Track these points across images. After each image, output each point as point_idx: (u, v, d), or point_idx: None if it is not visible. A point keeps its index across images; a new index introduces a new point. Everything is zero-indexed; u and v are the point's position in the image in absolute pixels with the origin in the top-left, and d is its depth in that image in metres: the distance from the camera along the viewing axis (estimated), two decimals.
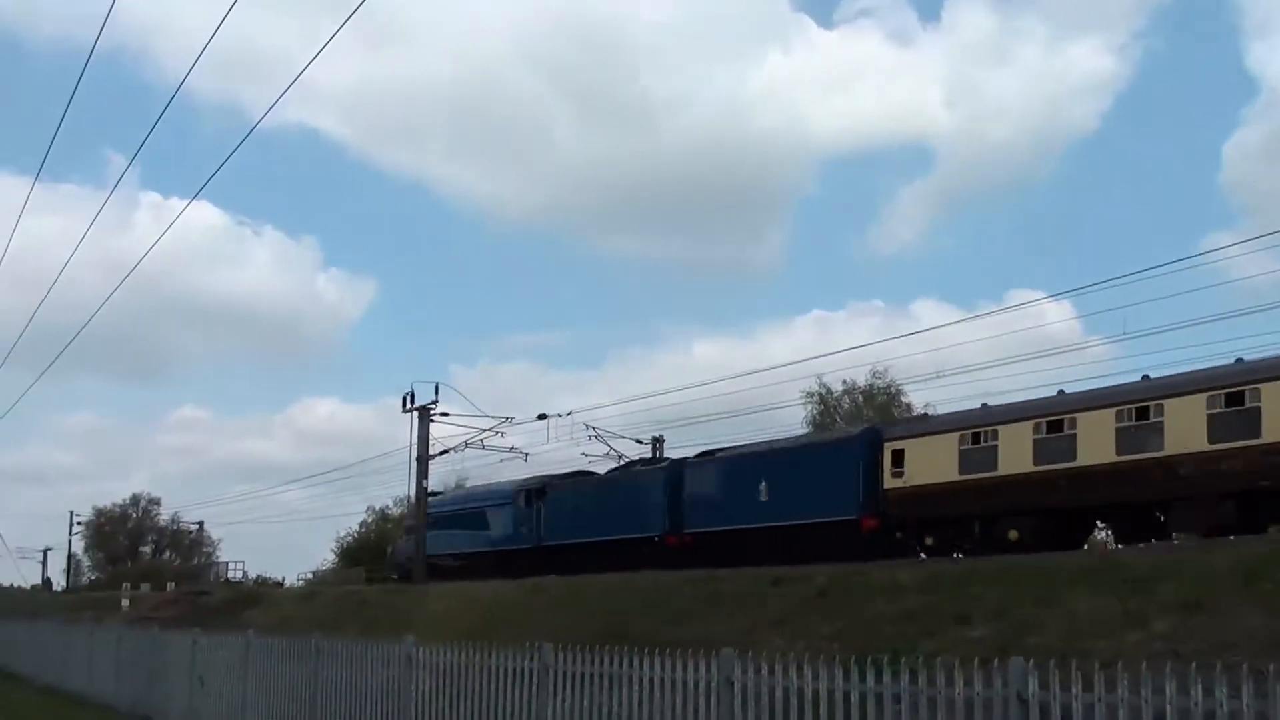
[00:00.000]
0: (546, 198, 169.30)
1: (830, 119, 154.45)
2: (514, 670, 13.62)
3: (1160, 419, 27.72)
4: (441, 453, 51.85)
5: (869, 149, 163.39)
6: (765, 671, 10.53)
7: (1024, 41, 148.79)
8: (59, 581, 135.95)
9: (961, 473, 32.06)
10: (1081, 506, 29.93)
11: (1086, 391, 32.00)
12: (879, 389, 69.49)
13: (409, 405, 50.15)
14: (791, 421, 67.77)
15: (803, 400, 69.53)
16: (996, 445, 31.44)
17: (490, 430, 52.10)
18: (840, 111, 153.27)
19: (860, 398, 70.51)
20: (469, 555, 51.02)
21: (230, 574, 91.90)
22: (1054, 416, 30.39)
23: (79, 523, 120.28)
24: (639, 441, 57.41)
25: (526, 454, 55.50)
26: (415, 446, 50.56)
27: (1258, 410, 25.75)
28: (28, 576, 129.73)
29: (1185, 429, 26.94)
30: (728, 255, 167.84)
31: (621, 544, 41.15)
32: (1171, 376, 29.50)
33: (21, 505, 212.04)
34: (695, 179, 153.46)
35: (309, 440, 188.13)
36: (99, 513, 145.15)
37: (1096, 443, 28.73)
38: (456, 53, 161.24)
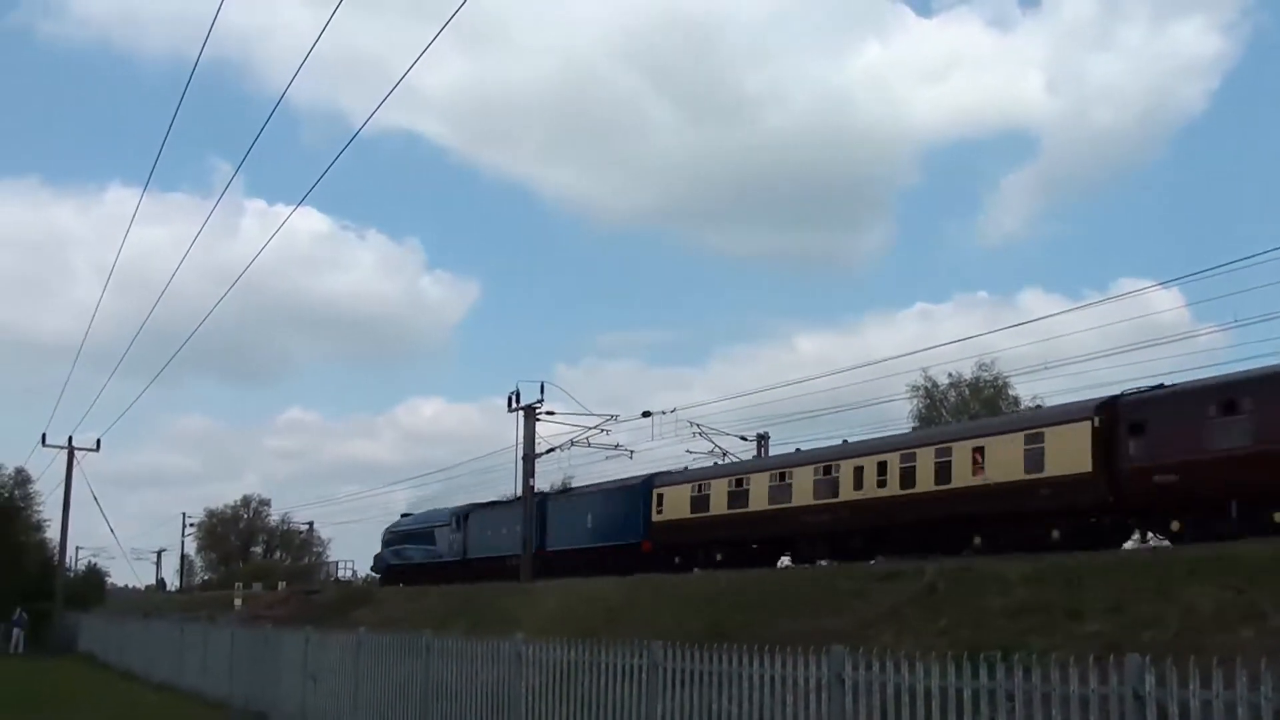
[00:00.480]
0: (646, 196, 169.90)
1: (930, 108, 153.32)
2: (623, 668, 13.62)
3: (790, 481, 40.79)
4: (547, 451, 52.03)
5: (970, 137, 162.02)
6: (876, 668, 10.43)
7: (1127, 23, 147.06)
8: (173, 582, 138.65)
9: (692, 512, 44.99)
10: (750, 539, 42.00)
11: (764, 459, 50.30)
12: (985, 382, 68.73)
13: (514, 404, 50.35)
14: (897, 416, 67.31)
15: (908, 395, 69.07)
16: (709, 495, 44.38)
17: (595, 428, 52.28)
18: (940, 100, 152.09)
19: (966, 391, 69.80)
20: (422, 565, 63.24)
21: (340, 573, 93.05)
22: (738, 475, 44.35)
23: (191, 524, 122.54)
24: (743, 438, 57.23)
25: (631, 451, 55.67)
26: (521, 445, 50.77)
27: (837, 480, 38.64)
28: (142, 577, 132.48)
29: (804, 489, 39.99)
30: (829, 249, 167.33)
31: (511, 557, 52.52)
32: (804, 453, 43.37)
33: (136, 508, 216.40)
34: (795, 173, 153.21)
35: (415, 440, 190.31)
36: (211, 514, 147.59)
37: (757, 495, 42.00)
38: (555, 53, 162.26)
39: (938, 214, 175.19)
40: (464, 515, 61.65)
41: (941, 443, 36.58)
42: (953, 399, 70.05)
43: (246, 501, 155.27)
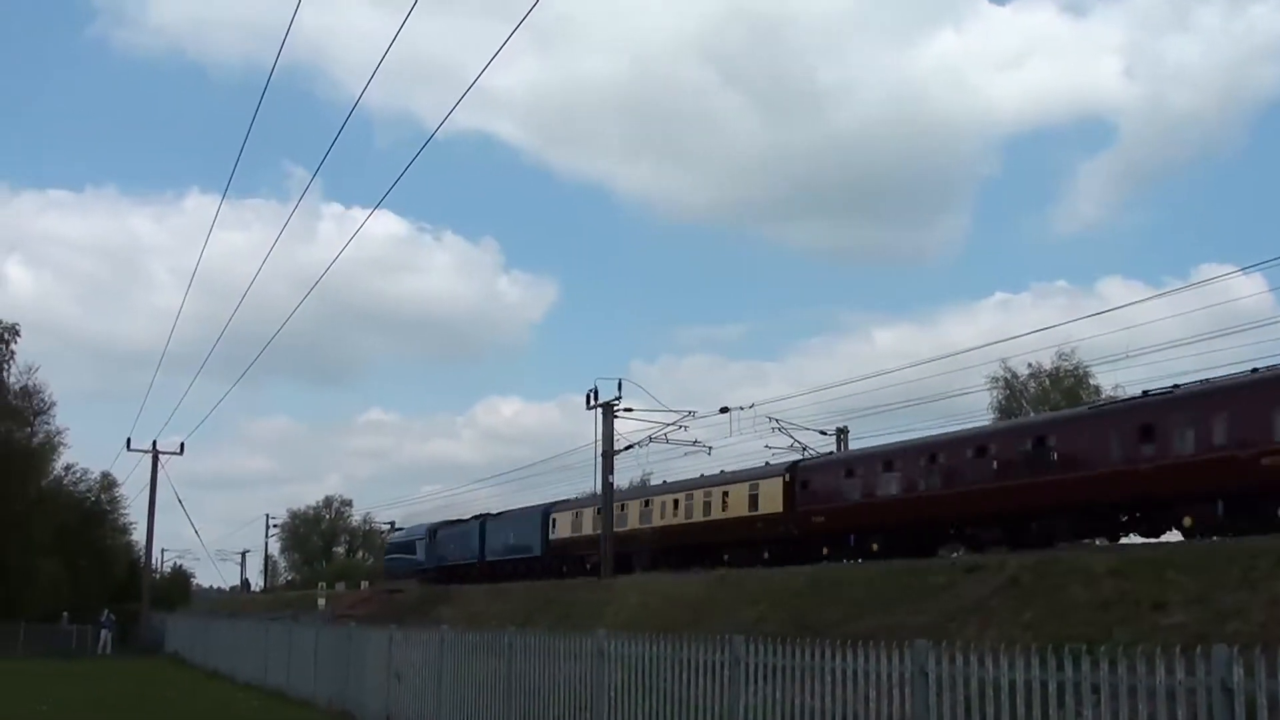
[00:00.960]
0: (721, 191, 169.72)
1: (1006, 96, 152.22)
2: (705, 663, 13.64)
3: (627, 509, 54.59)
4: (626, 448, 52.06)
5: (1047, 125, 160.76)
6: (960, 661, 10.40)
7: (1204, 4, 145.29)
8: (256, 582, 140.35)
9: (571, 532, 60.03)
10: (619, 553, 50.64)
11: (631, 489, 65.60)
12: (1066, 372, 68.04)
13: (592, 402, 50.45)
14: (977, 408, 66.92)
15: (988, 386, 68.52)
16: (583, 519, 58.70)
17: (673, 424, 52.23)
18: (1016, 88, 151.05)
19: (1047, 381, 69.12)
20: (411, 571, 77.67)
21: None
22: (583, 508, 59.66)
23: (274, 525, 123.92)
24: (822, 433, 57.06)
25: (710, 448, 55.68)
26: (600, 443, 50.88)
27: (658, 509, 53.53)
28: (227, 578, 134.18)
29: (633, 516, 54.23)
30: (906, 240, 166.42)
31: (463, 566, 70.39)
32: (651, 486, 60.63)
33: (220, 510, 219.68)
34: (870, 164, 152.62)
35: (493, 439, 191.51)
36: (293, 515, 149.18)
37: (620, 520, 52.53)
38: (627, 50, 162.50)
39: (1014, 203, 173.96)
40: (434, 531, 78.24)
41: (705, 487, 51.01)
42: (1033, 390, 69.41)
43: (328, 502, 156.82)
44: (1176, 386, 32.09)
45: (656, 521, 53.84)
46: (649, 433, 52.18)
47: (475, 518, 73.95)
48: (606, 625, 22.71)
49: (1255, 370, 30.71)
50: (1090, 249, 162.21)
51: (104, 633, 61.07)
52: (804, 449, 53.45)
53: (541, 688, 17.28)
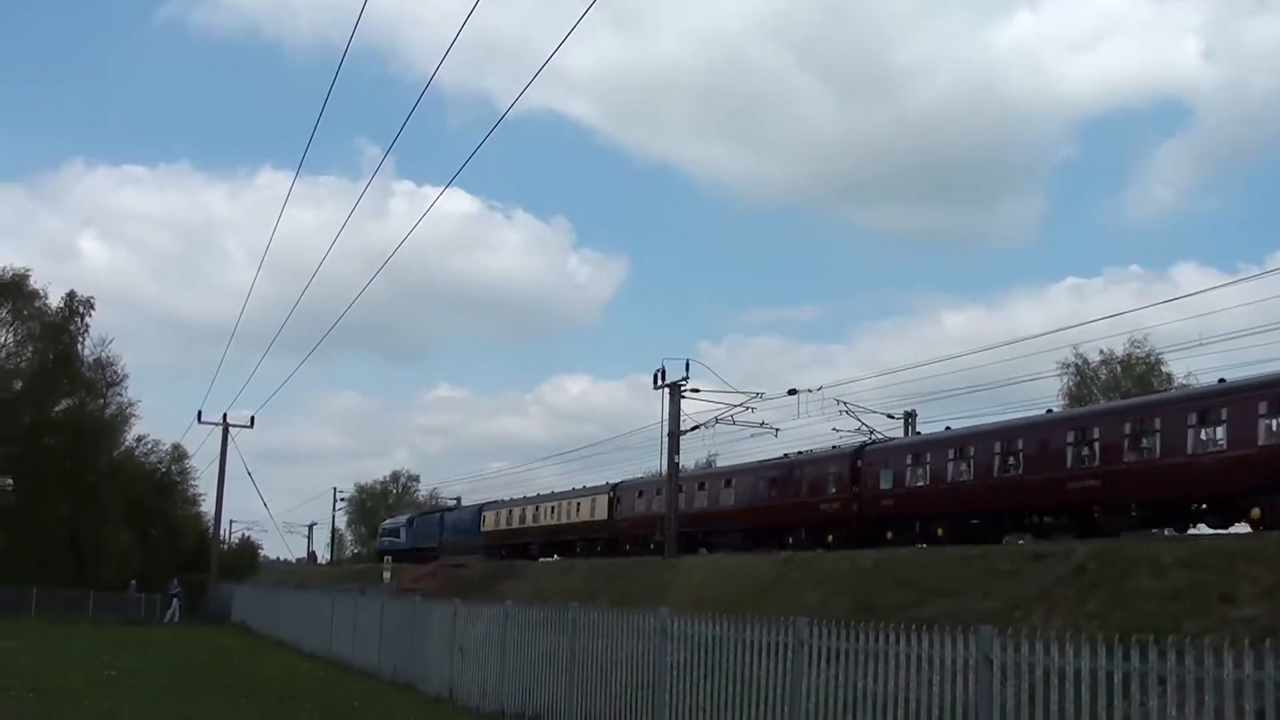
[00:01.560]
0: (791, 172, 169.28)
1: (1081, 78, 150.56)
2: (768, 644, 13.63)
3: (529, 510, 73.16)
4: (693, 428, 52.02)
5: (1123, 108, 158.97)
6: (1025, 649, 10.33)
7: None
8: (323, 555, 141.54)
9: (496, 526, 76.71)
10: (531, 543, 70.35)
11: (545, 495, 74.17)
12: (1138, 359, 67.34)
13: (660, 382, 50.42)
14: (1048, 394, 66.33)
15: (1058, 372, 67.94)
16: (512, 515, 75.17)
17: (740, 406, 52.10)
18: (1092, 70, 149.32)
19: (1118, 368, 68.42)
20: (394, 550, 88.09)
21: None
22: (527, 505, 74.28)
23: (342, 499, 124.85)
24: (890, 416, 56.79)
25: (777, 429, 55.58)
26: (666, 423, 50.87)
27: (592, 507, 65.25)
28: (294, 550, 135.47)
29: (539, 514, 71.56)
30: (978, 223, 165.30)
31: (429, 549, 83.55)
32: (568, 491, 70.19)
33: (288, 483, 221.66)
34: (944, 146, 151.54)
35: (561, 417, 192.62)
36: (360, 489, 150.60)
37: (535, 516, 71.21)
38: (701, 31, 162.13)
39: (1089, 186, 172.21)
40: (412, 520, 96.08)
41: (578, 497, 67.21)
42: (1104, 377, 68.74)
43: (395, 477, 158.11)
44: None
45: (544, 521, 70.34)
46: (715, 414, 52.17)
47: (440, 510, 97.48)
48: (670, 604, 22.69)
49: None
50: (1165, 234, 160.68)
51: (173, 601, 61.84)
52: (871, 432, 53.18)
53: (604, 664, 17.34)
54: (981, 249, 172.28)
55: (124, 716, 17.93)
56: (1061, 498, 34.90)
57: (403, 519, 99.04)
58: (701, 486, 56.04)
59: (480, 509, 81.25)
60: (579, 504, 66.49)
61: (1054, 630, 12.42)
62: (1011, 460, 37.43)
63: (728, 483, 54.29)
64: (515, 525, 74.24)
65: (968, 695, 10.76)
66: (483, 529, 77.62)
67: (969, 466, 38.92)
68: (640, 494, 60.65)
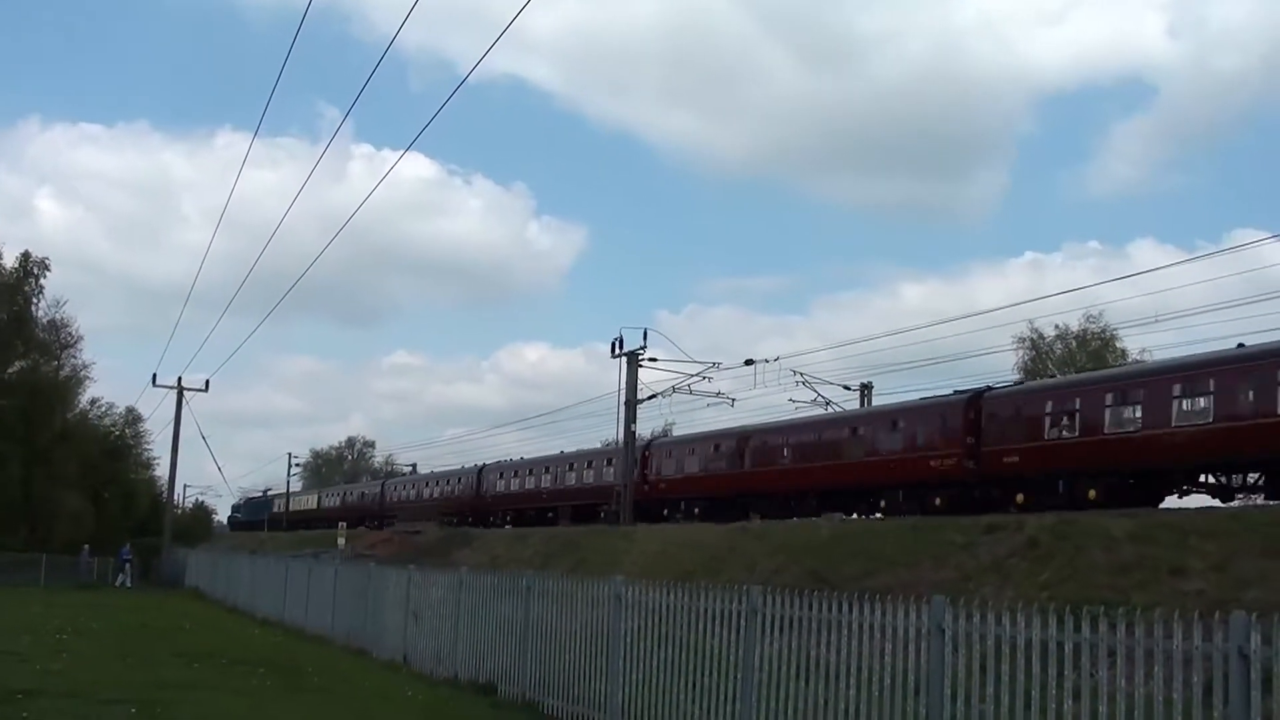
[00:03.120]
0: (754, 142, 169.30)
1: (1045, 53, 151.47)
2: (722, 613, 13.67)
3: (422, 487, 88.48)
4: (649, 397, 52.20)
5: (1086, 83, 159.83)
6: (977, 619, 10.39)
7: None
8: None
9: (400, 500, 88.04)
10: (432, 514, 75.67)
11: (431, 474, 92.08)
12: (1093, 334, 67.77)
13: (617, 351, 50.48)
14: (1003, 368, 66.71)
15: (1014, 346, 68.37)
16: (308, 499, 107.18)
17: (697, 375, 52.27)
18: (1056, 44, 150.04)
19: (1074, 343, 68.85)
20: (237, 525, 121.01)
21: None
22: (416, 483, 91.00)
23: (297, 464, 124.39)
24: (846, 388, 57.07)
25: (733, 399, 55.82)
26: (624, 391, 50.91)
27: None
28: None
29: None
30: (939, 196, 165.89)
31: (259, 522, 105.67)
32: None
33: (243, 447, 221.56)
34: (907, 118, 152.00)
35: (518, 385, 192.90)
36: (316, 454, 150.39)
37: (421, 492, 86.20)
38: None
39: (1051, 161, 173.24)
40: (242, 502, 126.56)
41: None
42: (1059, 351, 69.17)
43: (351, 443, 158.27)
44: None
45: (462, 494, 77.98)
46: (673, 383, 52.32)
47: (269, 494, 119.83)
48: (625, 572, 22.75)
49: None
50: (1125, 210, 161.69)
51: (125, 566, 61.54)
52: (827, 403, 53.43)
53: (558, 631, 17.37)
54: (943, 222, 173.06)
55: (76, 679, 17.84)
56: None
57: (242, 498, 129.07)
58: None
59: (384, 484, 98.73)
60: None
61: (1006, 601, 12.51)
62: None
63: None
64: (425, 498, 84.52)
65: (919, 664, 10.83)
66: (385, 502, 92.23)
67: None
68: (502, 476, 72.55)
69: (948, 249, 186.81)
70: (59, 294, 75.13)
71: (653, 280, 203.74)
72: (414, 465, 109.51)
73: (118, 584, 59.90)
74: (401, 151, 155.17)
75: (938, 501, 37.95)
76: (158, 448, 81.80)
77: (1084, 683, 9.30)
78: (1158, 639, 8.99)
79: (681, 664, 14.15)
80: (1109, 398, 34.15)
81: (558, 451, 69.51)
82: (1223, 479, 31.30)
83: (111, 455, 74.31)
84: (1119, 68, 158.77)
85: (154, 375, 66.58)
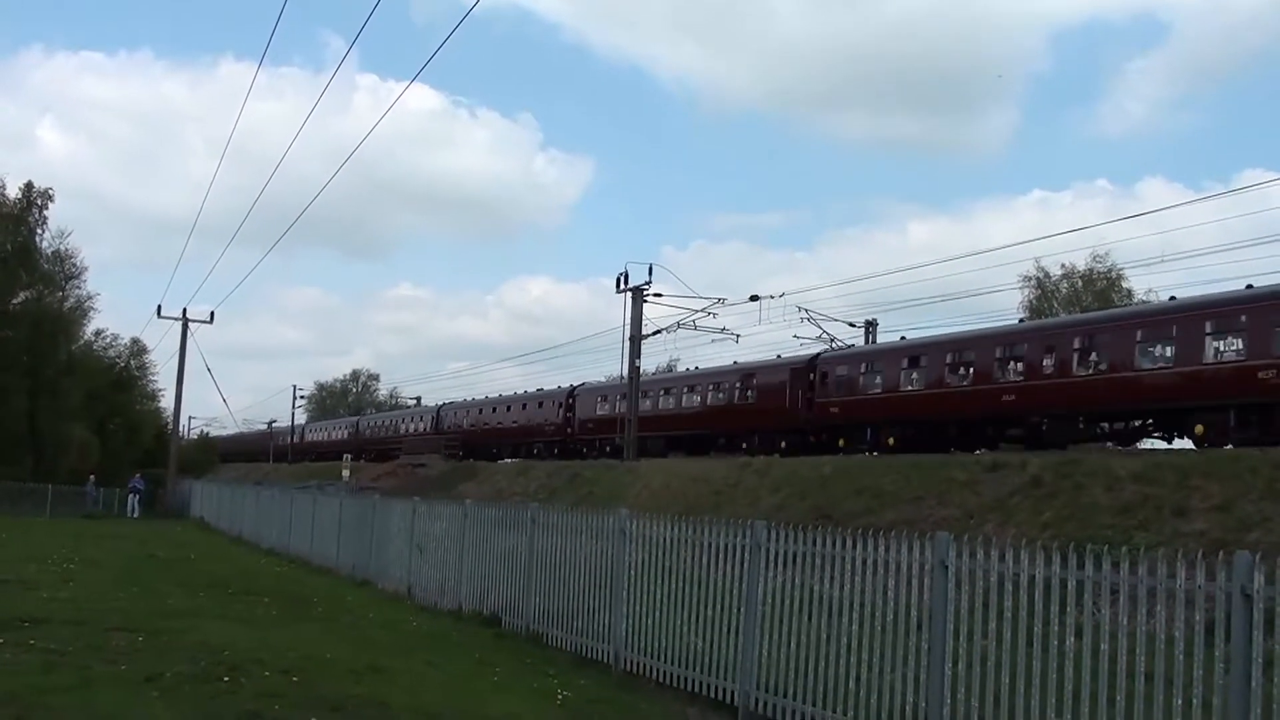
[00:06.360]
0: (763, 76, 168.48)
1: None
2: (725, 547, 13.71)
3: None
4: (654, 333, 52.11)
5: (1100, 20, 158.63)
6: (980, 556, 10.42)
7: None
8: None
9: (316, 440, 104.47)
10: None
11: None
12: (1099, 274, 67.64)
13: (622, 286, 50.36)
14: (1007, 306, 66.71)
15: (1019, 285, 68.26)
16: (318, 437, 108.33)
17: (702, 311, 52.13)
18: None
19: (1079, 282, 68.73)
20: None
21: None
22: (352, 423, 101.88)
23: (302, 396, 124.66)
24: (851, 325, 57.00)
25: (738, 335, 55.80)
26: (628, 327, 50.85)
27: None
28: None
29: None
30: (950, 132, 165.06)
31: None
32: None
33: (248, 379, 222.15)
34: (916, 53, 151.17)
35: (522, 319, 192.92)
36: (320, 387, 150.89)
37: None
38: None
39: (1062, 99, 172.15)
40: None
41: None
42: (1065, 291, 69.08)
43: (355, 376, 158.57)
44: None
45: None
46: (678, 319, 52.23)
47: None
48: (629, 505, 22.82)
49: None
50: (1135, 149, 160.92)
51: (132, 496, 61.82)
52: (831, 340, 53.39)
53: (562, 564, 17.44)
54: (952, 159, 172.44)
55: (83, 607, 17.94)
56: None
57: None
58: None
59: (356, 417, 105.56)
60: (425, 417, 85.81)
61: (1009, 539, 12.55)
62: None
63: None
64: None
65: (922, 600, 10.87)
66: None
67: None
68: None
69: (956, 186, 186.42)
70: (63, 225, 75.16)
71: (659, 215, 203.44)
72: (418, 398, 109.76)
73: (128, 514, 60.15)
74: (407, 83, 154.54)
75: (783, 444, 44.70)
76: (162, 379, 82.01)
77: (1086, 620, 9.33)
78: (1160, 577, 9.01)
79: (685, 597, 14.21)
80: (904, 361, 41.25)
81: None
82: (989, 431, 37.32)
83: (116, 387, 74.59)
84: (1132, 5, 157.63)
85: (159, 307, 67.26)
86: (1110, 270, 66.63)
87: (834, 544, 12.02)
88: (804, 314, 53.24)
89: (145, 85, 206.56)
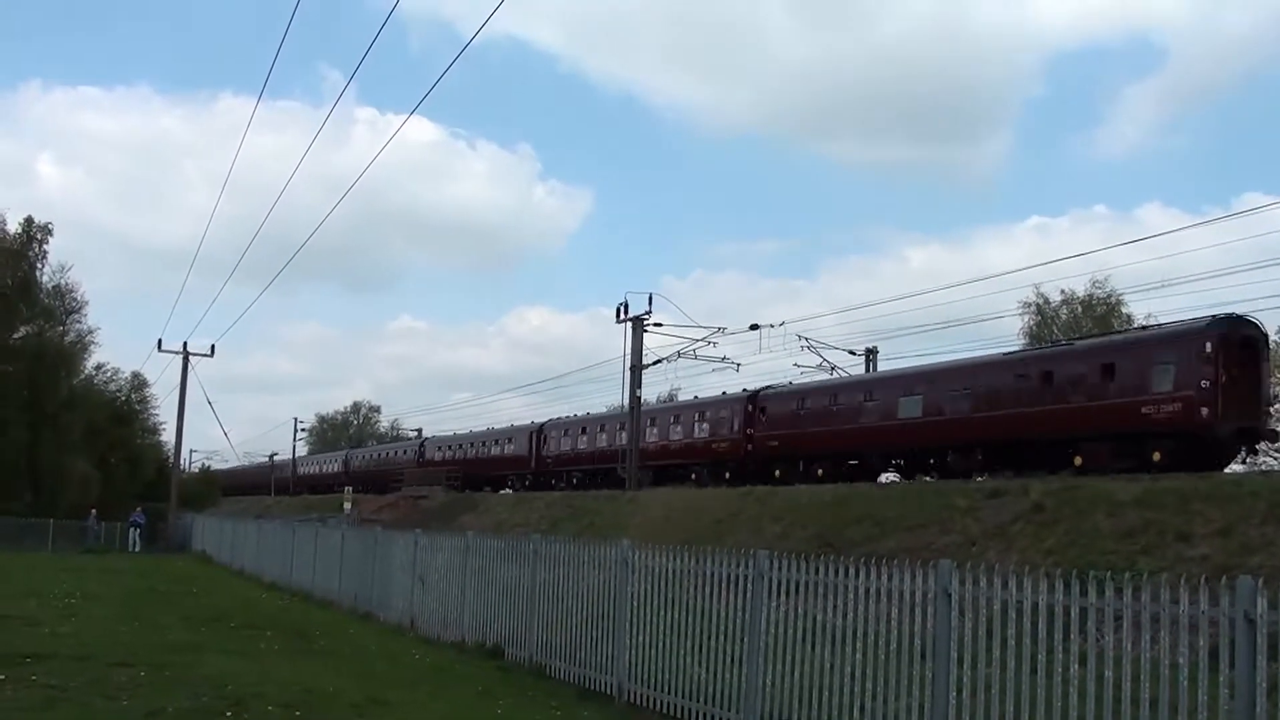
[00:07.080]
0: (760, 103, 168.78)
1: (1054, 12, 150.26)
2: (728, 577, 13.70)
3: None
4: (655, 362, 52.18)
5: (1095, 44, 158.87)
6: (983, 583, 10.41)
7: None
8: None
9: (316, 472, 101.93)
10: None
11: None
12: (1099, 299, 67.72)
13: (623, 315, 50.41)
14: (1008, 333, 66.73)
15: (1019, 311, 68.38)
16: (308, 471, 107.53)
17: (702, 340, 52.22)
18: (1065, 3, 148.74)
19: (1079, 308, 68.80)
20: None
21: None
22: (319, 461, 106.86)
23: (303, 429, 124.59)
24: (852, 353, 56.98)
25: (738, 364, 55.85)
26: (629, 356, 50.87)
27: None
28: None
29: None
30: (946, 158, 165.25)
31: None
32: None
33: (249, 412, 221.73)
34: (912, 79, 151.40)
35: (522, 349, 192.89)
36: (322, 419, 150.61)
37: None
38: None
39: (1058, 124, 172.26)
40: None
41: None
42: (1064, 316, 69.14)
43: (357, 407, 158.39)
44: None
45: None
46: (678, 348, 52.27)
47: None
48: (630, 535, 22.79)
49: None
50: (1133, 174, 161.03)
51: (133, 530, 61.72)
52: (832, 368, 53.39)
53: (564, 595, 17.42)
54: (949, 184, 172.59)
55: (85, 642, 17.91)
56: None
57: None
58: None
59: (350, 447, 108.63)
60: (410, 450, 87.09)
61: (1011, 566, 12.53)
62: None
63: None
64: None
65: (926, 628, 10.85)
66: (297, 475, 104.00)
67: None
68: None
69: (954, 213, 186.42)
70: (63, 259, 75.30)
71: (658, 244, 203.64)
72: (419, 430, 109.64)
73: (129, 548, 60.02)
74: (406, 116, 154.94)
75: (726, 475, 46.80)
76: (163, 413, 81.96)
77: (1090, 647, 9.32)
78: (1164, 603, 9.01)
79: (688, 628, 14.19)
80: (828, 399, 43.62)
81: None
82: (899, 462, 40.20)
83: (117, 420, 74.47)
84: (1128, 28, 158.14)
85: (159, 341, 66.90)
86: (1110, 295, 66.72)
87: (836, 573, 12.02)
88: (804, 342, 53.33)
89: (144, 120, 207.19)
